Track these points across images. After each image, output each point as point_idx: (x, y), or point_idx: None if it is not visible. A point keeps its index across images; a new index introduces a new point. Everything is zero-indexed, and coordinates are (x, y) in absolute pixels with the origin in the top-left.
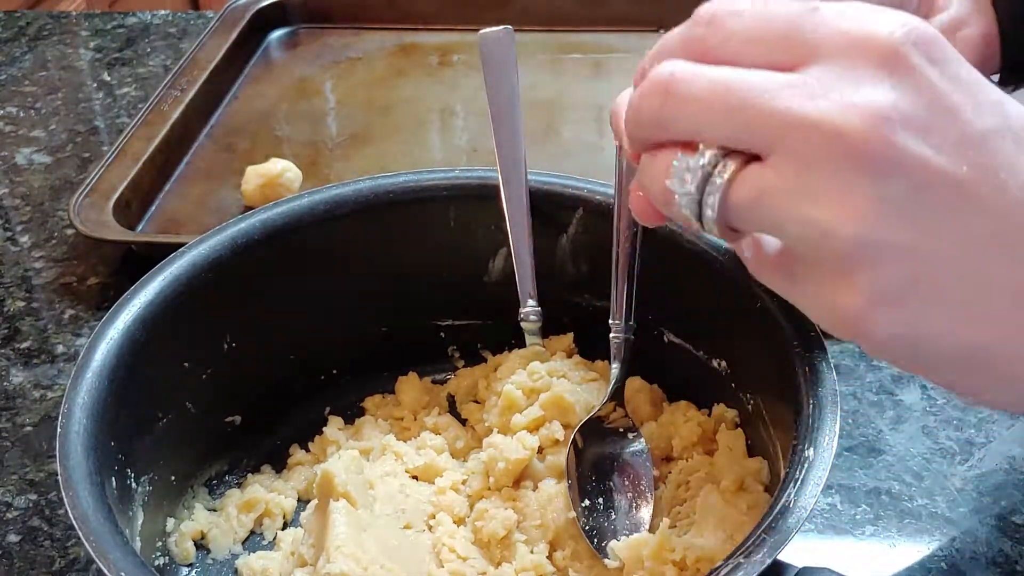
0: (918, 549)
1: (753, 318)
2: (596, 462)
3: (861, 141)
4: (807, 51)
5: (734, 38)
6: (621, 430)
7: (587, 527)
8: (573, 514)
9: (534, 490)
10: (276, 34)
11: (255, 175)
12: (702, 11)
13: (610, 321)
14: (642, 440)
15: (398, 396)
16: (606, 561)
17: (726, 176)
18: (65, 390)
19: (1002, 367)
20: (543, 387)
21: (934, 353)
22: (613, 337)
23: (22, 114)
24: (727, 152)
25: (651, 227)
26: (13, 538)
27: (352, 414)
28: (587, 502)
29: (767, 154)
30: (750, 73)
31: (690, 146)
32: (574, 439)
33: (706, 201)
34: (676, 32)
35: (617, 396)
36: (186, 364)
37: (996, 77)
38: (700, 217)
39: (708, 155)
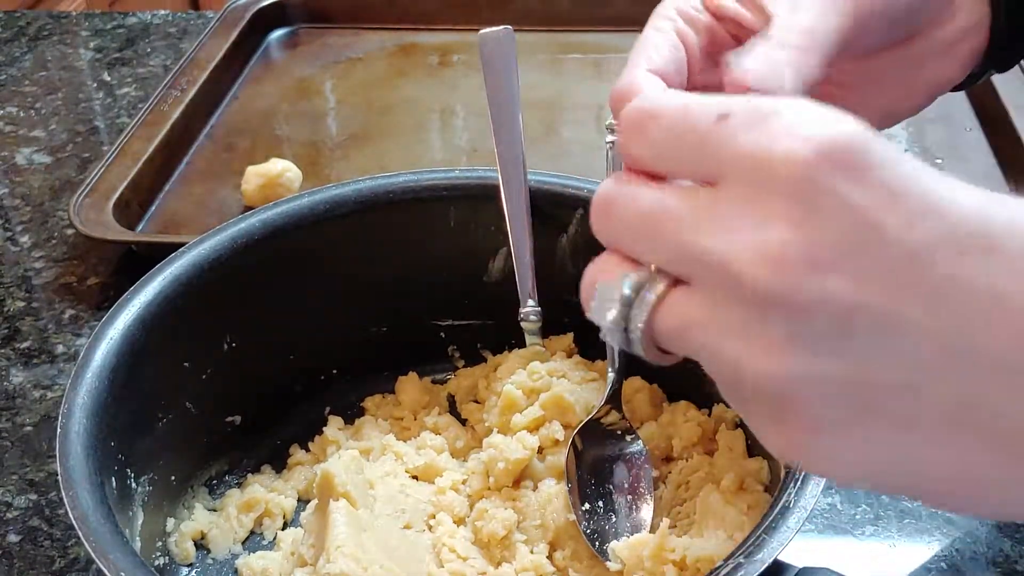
0: (918, 549)
1: None
2: (595, 465)
3: (765, 287)
4: (716, 171)
5: (653, 147)
6: (619, 432)
7: (588, 530)
8: (573, 516)
9: (534, 490)
10: (276, 34)
11: (255, 175)
12: (626, 111)
13: None
14: (640, 442)
15: (398, 396)
16: (608, 564)
17: (650, 301)
18: (65, 390)
19: (979, 488)
20: (543, 387)
21: (898, 479)
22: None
23: (22, 114)
24: (655, 272)
25: None
26: (13, 538)
27: (352, 414)
28: (587, 505)
29: (689, 282)
30: (668, 197)
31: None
32: (573, 441)
33: (632, 322)
34: (621, 124)
35: (613, 400)
36: (186, 364)
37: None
38: (626, 339)
39: (633, 276)
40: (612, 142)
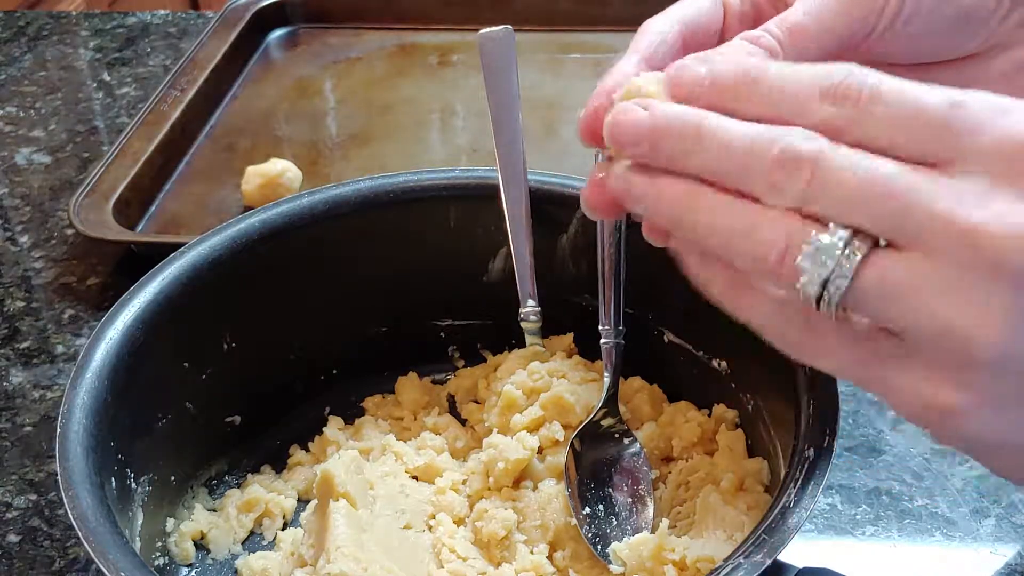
0: (918, 549)
1: None
2: (594, 468)
3: (1013, 255)
4: (955, 153)
5: (878, 125)
6: (617, 435)
7: (589, 534)
8: (573, 518)
9: (534, 490)
10: (276, 34)
11: (255, 175)
12: (843, 87)
13: (600, 327)
14: (638, 444)
15: (398, 396)
16: (611, 567)
17: (856, 259)
18: (65, 390)
19: None
20: (543, 387)
21: (1009, 454)
22: (603, 343)
23: (22, 114)
24: (855, 232)
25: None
26: (13, 538)
27: (352, 414)
28: (587, 509)
29: (906, 246)
30: (895, 167)
31: (813, 220)
32: (572, 444)
33: (832, 282)
34: (814, 94)
35: (610, 403)
36: (186, 364)
37: None
38: (820, 297)
39: (841, 235)
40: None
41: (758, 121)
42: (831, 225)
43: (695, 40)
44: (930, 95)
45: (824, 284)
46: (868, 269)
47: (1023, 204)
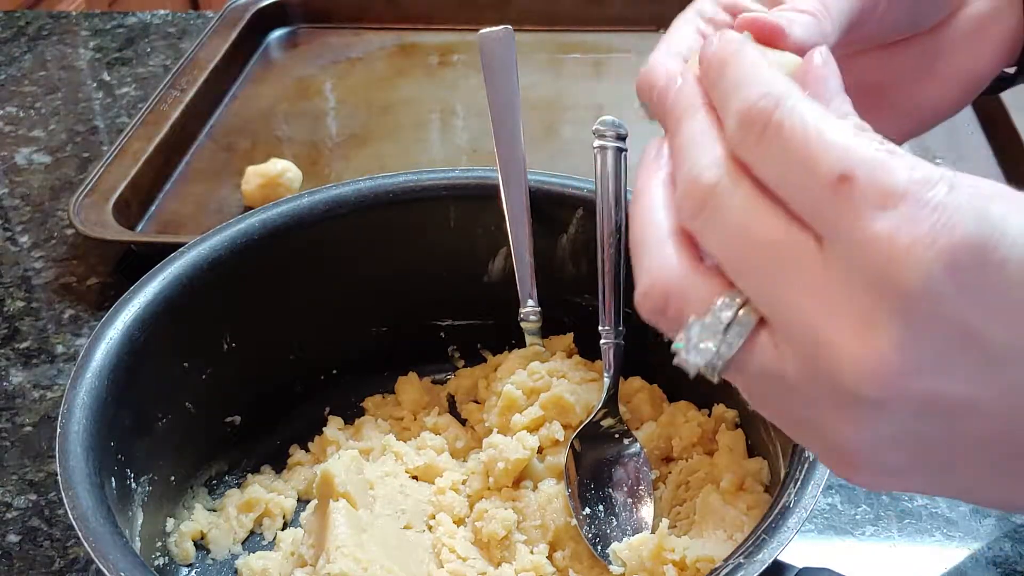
0: (918, 549)
1: None
2: (594, 468)
3: (858, 388)
4: (828, 233)
5: (773, 167)
6: (617, 435)
7: (590, 535)
8: (574, 519)
9: (534, 490)
10: (276, 34)
11: (255, 175)
12: (754, 111)
13: (599, 328)
14: (638, 444)
15: (398, 396)
16: (612, 568)
17: (740, 341)
18: (65, 390)
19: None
20: (543, 387)
21: (945, 494)
22: (603, 343)
23: (22, 114)
24: (743, 304)
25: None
26: (13, 538)
27: (352, 414)
28: (587, 510)
29: (774, 330)
30: (779, 229)
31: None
32: (572, 445)
33: (712, 362)
34: (733, 95)
35: (610, 404)
36: (186, 364)
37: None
38: (703, 367)
39: (727, 315)
40: (602, 147)
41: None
42: (718, 301)
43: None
44: (828, 152)
45: (698, 368)
46: (748, 353)
47: (877, 330)
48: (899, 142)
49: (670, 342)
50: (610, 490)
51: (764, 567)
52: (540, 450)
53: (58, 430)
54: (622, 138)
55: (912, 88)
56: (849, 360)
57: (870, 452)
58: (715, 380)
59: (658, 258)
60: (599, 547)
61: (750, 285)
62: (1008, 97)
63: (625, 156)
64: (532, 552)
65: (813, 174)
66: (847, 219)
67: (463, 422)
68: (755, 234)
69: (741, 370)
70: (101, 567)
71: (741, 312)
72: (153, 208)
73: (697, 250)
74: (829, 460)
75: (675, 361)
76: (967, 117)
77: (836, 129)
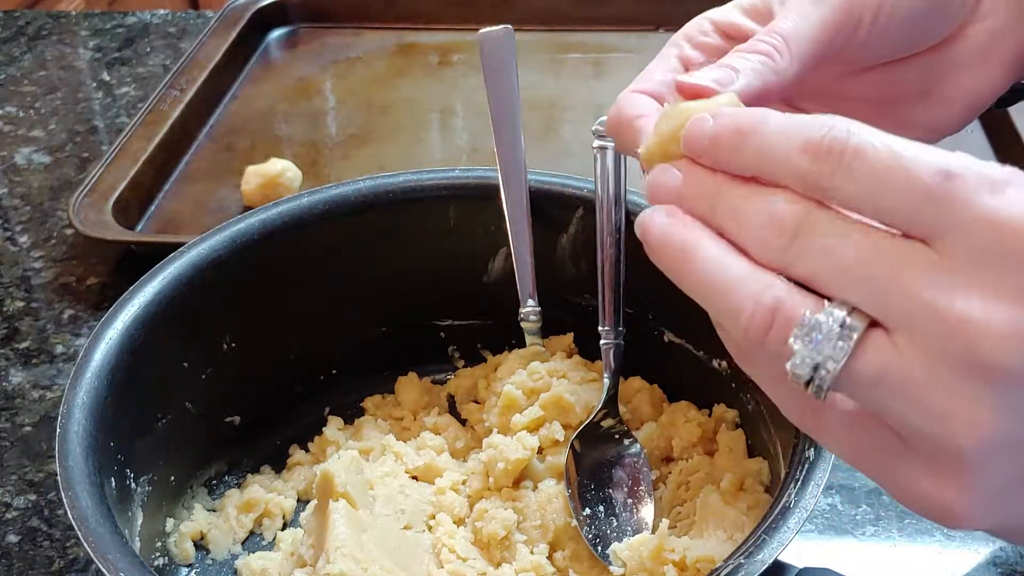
0: (918, 549)
1: None
2: (594, 469)
3: (994, 356)
4: (943, 228)
5: (861, 187)
6: (617, 436)
7: (590, 535)
8: (574, 520)
9: (534, 490)
10: (276, 34)
11: (255, 175)
12: (826, 141)
13: (599, 328)
14: (638, 444)
15: (398, 396)
16: (612, 569)
17: (851, 343)
18: (64, 390)
19: None
20: (543, 387)
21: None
22: (603, 344)
23: (22, 114)
24: (852, 310)
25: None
26: (13, 538)
27: (352, 414)
28: (588, 510)
29: (894, 329)
30: (882, 239)
31: (807, 292)
32: (572, 445)
33: (824, 366)
34: (796, 148)
35: (610, 404)
36: (186, 364)
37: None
38: (811, 380)
39: (838, 314)
40: (602, 147)
41: (754, 179)
42: (826, 302)
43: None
44: (920, 159)
45: (815, 368)
46: (862, 355)
47: (1003, 295)
48: None
49: (671, 343)
50: (610, 491)
51: (764, 567)
52: (540, 450)
53: (58, 430)
54: None
55: (916, 106)
56: (987, 330)
57: (989, 451)
58: (823, 396)
59: (753, 284)
60: (599, 548)
61: (864, 295)
62: None
63: (624, 156)
64: (532, 552)
65: (914, 179)
66: (962, 206)
67: (463, 422)
68: (863, 246)
69: (855, 375)
70: (101, 567)
71: (851, 316)
72: (153, 208)
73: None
74: (937, 478)
75: (788, 368)
76: None
77: (912, 143)
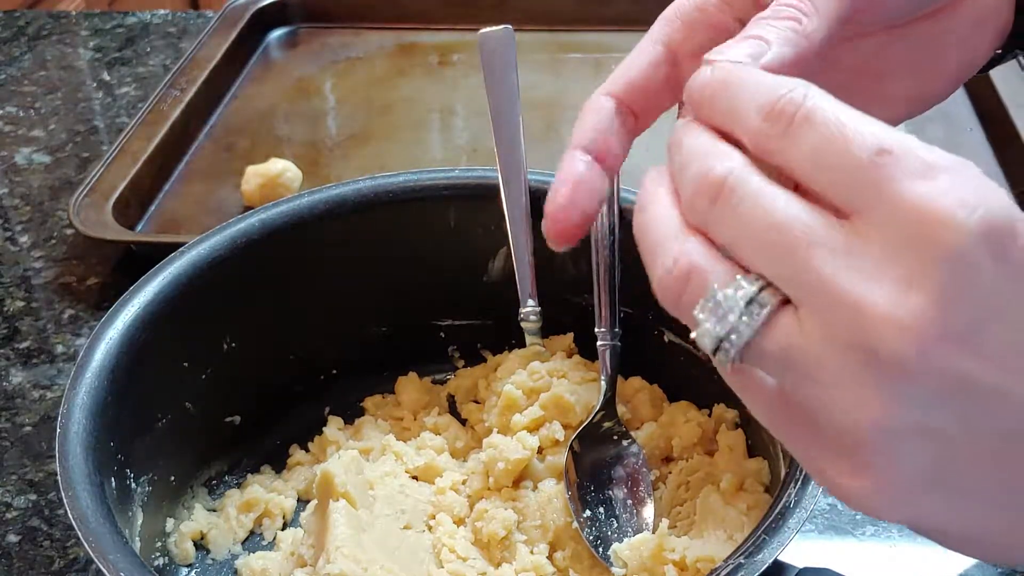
0: (918, 549)
1: None
2: (594, 470)
3: (893, 349)
4: (862, 206)
5: (802, 153)
6: (615, 437)
7: (591, 537)
8: (573, 520)
9: (534, 490)
10: (276, 34)
11: (255, 175)
12: (781, 103)
13: (596, 330)
14: (636, 445)
15: (398, 396)
16: (613, 570)
17: (758, 321)
18: (65, 390)
19: (1012, 550)
20: (543, 387)
21: (938, 530)
22: (599, 345)
23: (22, 114)
24: (766, 284)
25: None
26: (13, 538)
27: (352, 414)
28: (588, 512)
29: (800, 308)
30: (800, 211)
31: (724, 260)
32: (571, 447)
33: (727, 339)
34: (754, 107)
35: (608, 406)
36: (186, 364)
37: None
38: (717, 350)
39: (746, 290)
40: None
41: (718, 133)
42: (737, 277)
43: (643, 98)
44: (862, 133)
45: (719, 340)
46: (769, 332)
47: (914, 286)
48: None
49: (671, 343)
50: (610, 492)
51: (764, 567)
52: (540, 450)
53: (58, 430)
54: None
55: (907, 76)
56: (886, 319)
57: (891, 441)
58: (727, 369)
59: (677, 244)
60: (600, 549)
61: (772, 266)
62: (1008, 97)
63: None
64: (532, 552)
65: (851, 150)
66: (888, 187)
67: (463, 422)
68: (776, 215)
69: (760, 352)
70: (101, 567)
71: (763, 292)
72: (153, 208)
73: (712, 243)
74: (840, 469)
75: (693, 336)
76: (967, 115)
77: (864, 117)
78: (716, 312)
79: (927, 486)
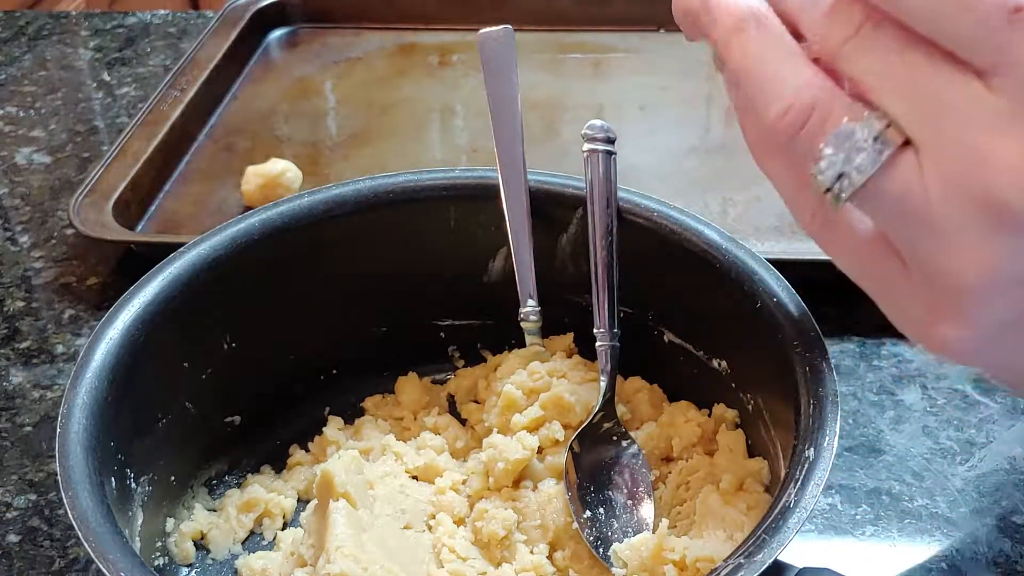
0: (918, 549)
1: (753, 318)
2: (593, 471)
3: (1009, 202)
4: (998, 62)
5: (927, 8)
6: (615, 437)
7: (591, 537)
8: (573, 519)
9: (534, 490)
10: (276, 34)
11: (255, 175)
12: None
13: (594, 330)
14: (636, 445)
15: (398, 396)
16: (613, 570)
17: (880, 160)
18: (65, 390)
19: None
20: (543, 387)
21: (1018, 375)
22: (598, 345)
23: (22, 114)
24: (888, 124)
25: (639, 226)
26: (13, 538)
27: (352, 414)
28: (588, 513)
29: (923, 152)
30: (943, 65)
31: (847, 94)
32: (571, 447)
33: (847, 176)
34: None
35: (607, 407)
36: (186, 364)
37: None
38: (831, 188)
39: (874, 127)
40: (592, 150)
41: None
42: (866, 114)
43: None
44: None
45: (839, 176)
46: (888, 172)
47: None
48: None
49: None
50: (610, 492)
51: (764, 567)
52: (540, 450)
53: (58, 430)
54: (611, 141)
55: None
56: (1012, 172)
57: (992, 290)
58: (838, 205)
59: (798, 74)
60: (601, 550)
61: (903, 107)
62: None
63: (615, 160)
64: (532, 552)
65: (982, 8)
66: (1018, 45)
67: (463, 422)
68: (917, 57)
69: (875, 192)
70: (101, 567)
71: (888, 130)
72: (153, 208)
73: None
74: (935, 309)
75: (813, 174)
76: None
77: None
78: (843, 146)
79: (1012, 332)
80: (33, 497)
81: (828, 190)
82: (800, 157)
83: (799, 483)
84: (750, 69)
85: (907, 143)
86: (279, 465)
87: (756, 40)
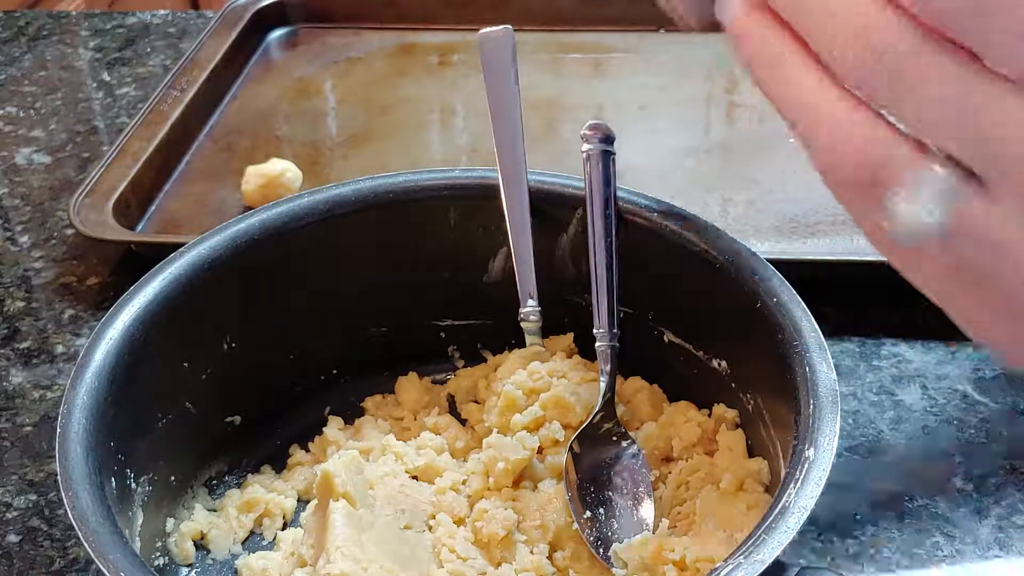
0: (918, 549)
1: (753, 318)
2: (593, 471)
3: None
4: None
5: (992, 31)
6: (615, 437)
7: (591, 538)
8: (574, 519)
9: (534, 490)
10: (276, 34)
11: (255, 175)
12: None
13: (594, 330)
14: (636, 445)
15: (398, 396)
16: (613, 570)
17: (955, 202)
18: (65, 390)
19: None
20: (543, 387)
21: None
22: (598, 345)
23: (22, 114)
24: (951, 161)
25: (639, 226)
26: (13, 538)
27: (352, 414)
28: (588, 513)
29: (988, 182)
30: (994, 89)
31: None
32: (571, 448)
33: (925, 221)
34: None
35: (607, 407)
36: (186, 364)
37: None
38: (910, 231)
39: (939, 172)
40: (590, 150)
41: None
42: (926, 159)
43: None
44: None
45: (915, 226)
46: (964, 212)
47: None
48: None
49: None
50: (610, 492)
51: (764, 567)
52: (540, 450)
53: (58, 430)
54: (611, 141)
55: None
56: None
57: None
58: (906, 248)
59: (857, 125)
60: (601, 550)
61: (968, 148)
62: None
63: (613, 160)
64: (532, 552)
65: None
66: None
67: (463, 422)
68: (970, 95)
69: (951, 232)
70: (101, 567)
71: (954, 172)
72: (153, 208)
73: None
74: (1013, 331)
75: (882, 224)
76: None
77: None
78: (914, 198)
79: None
80: (33, 497)
81: (906, 236)
82: (867, 199)
83: (799, 483)
84: (787, 112)
85: (972, 174)
86: (279, 465)
87: (781, 81)
